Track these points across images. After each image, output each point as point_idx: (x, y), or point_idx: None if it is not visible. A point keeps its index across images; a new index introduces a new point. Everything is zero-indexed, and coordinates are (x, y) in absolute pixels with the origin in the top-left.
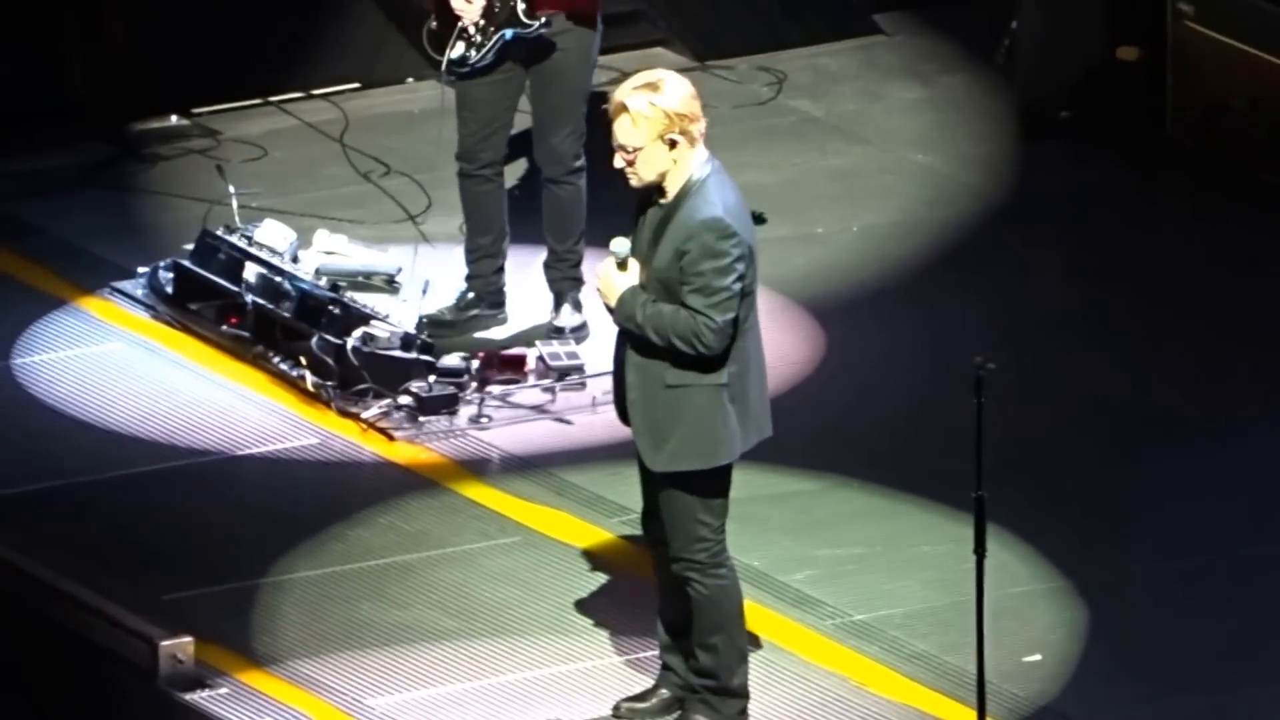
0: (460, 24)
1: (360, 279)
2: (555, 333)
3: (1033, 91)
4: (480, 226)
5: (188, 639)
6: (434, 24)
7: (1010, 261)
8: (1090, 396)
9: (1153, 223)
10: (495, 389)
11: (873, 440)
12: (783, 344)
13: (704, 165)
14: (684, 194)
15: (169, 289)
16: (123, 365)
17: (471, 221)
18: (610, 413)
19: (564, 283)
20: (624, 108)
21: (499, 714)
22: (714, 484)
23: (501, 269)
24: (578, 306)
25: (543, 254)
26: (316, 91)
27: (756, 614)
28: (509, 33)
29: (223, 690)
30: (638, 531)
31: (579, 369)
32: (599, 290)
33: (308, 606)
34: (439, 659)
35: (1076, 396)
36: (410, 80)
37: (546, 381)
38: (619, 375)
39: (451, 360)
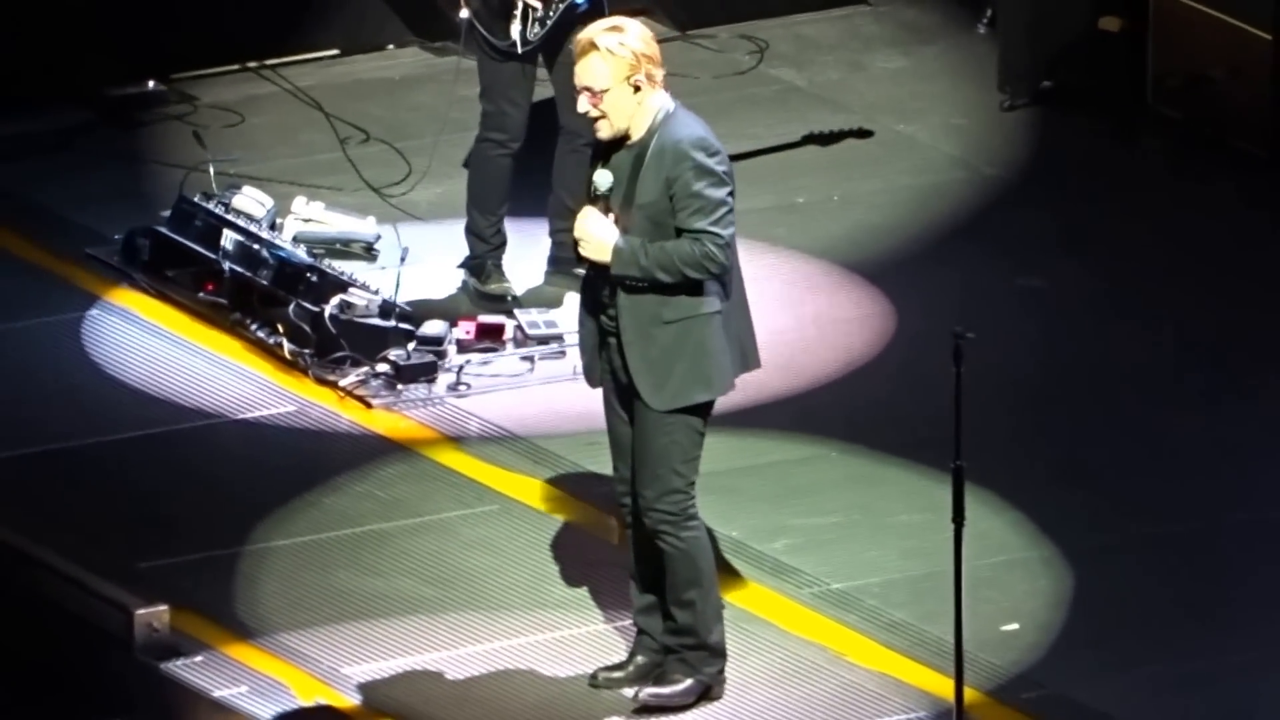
0: (523, 1)
1: (338, 246)
2: None
3: (1015, 61)
4: (501, 198)
5: (163, 607)
6: (466, 11)
7: (991, 230)
8: (1070, 364)
9: (1133, 191)
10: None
11: (852, 408)
12: (763, 311)
13: (669, 102)
14: (655, 127)
15: (145, 255)
16: (98, 332)
17: (496, 195)
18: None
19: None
20: (593, 45)
21: (475, 682)
22: (695, 434)
23: None
24: None
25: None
26: (296, 58)
27: (734, 583)
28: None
29: (198, 658)
30: (615, 500)
31: (558, 338)
32: (585, 251)
33: (284, 574)
34: (415, 627)
35: (1057, 364)
36: (391, 47)
37: (525, 350)
38: (589, 336)
39: (431, 328)
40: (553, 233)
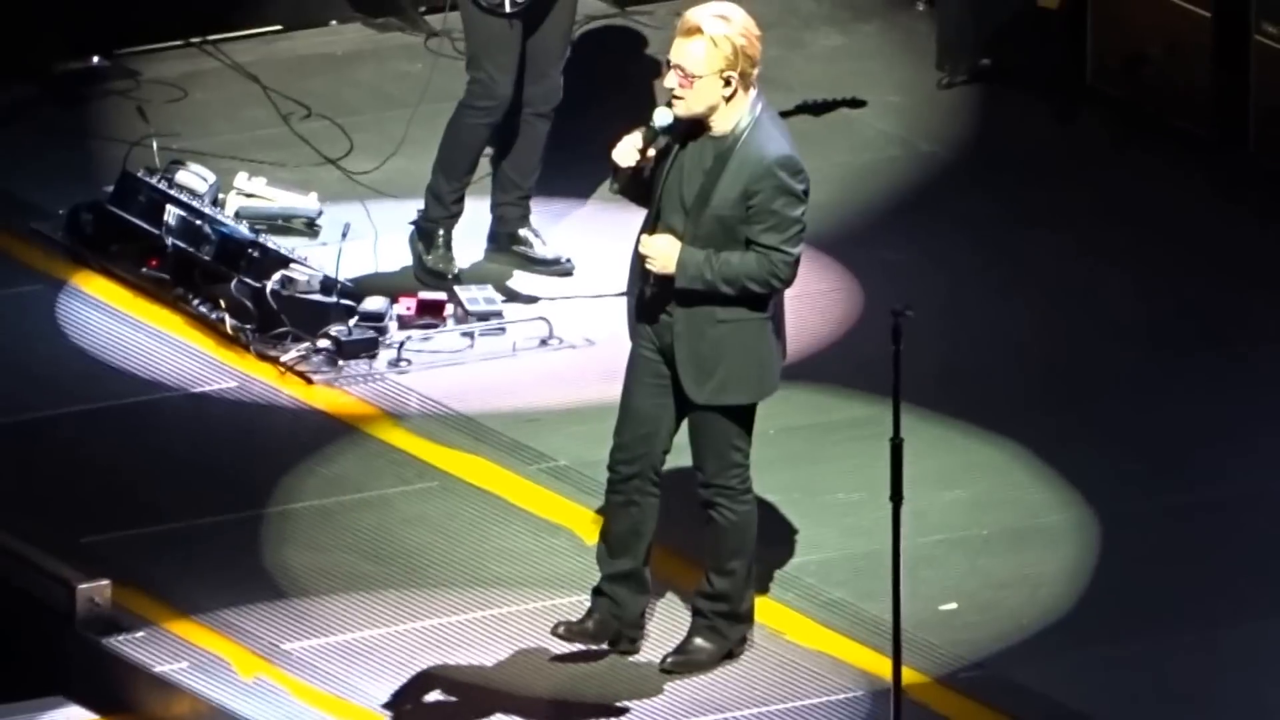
0: None
1: (280, 222)
2: (549, 264)
3: (954, 39)
4: (470, 167)
5: (105, 582)
6: None
7: (930, 207)
8: (1008, 343)
9: (1072, 169)
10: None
11: (790, 386)
12: None
13: (757, 103)
14: (742, 130)
15: (89, 230)
16: (41, 307)
17: (465, 163)
18: (529, 358)
19: (522, 220)
20: (699, 30)
21: (415, 659)
22: (750, 412)
23: None
24: (539, 235)
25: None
26: (239, 33)
27: (670, 561)
28: None
29: (139, 634)
30: (555, 477)
31: (498, 314)
32: (653, 267)
33: (225, 550)
34: (356, 604)
35: (995, 343)
36: (334, 23)
37: (466, 326)
38: (638, 297)
39: (372, 304)
40: (494, 206)
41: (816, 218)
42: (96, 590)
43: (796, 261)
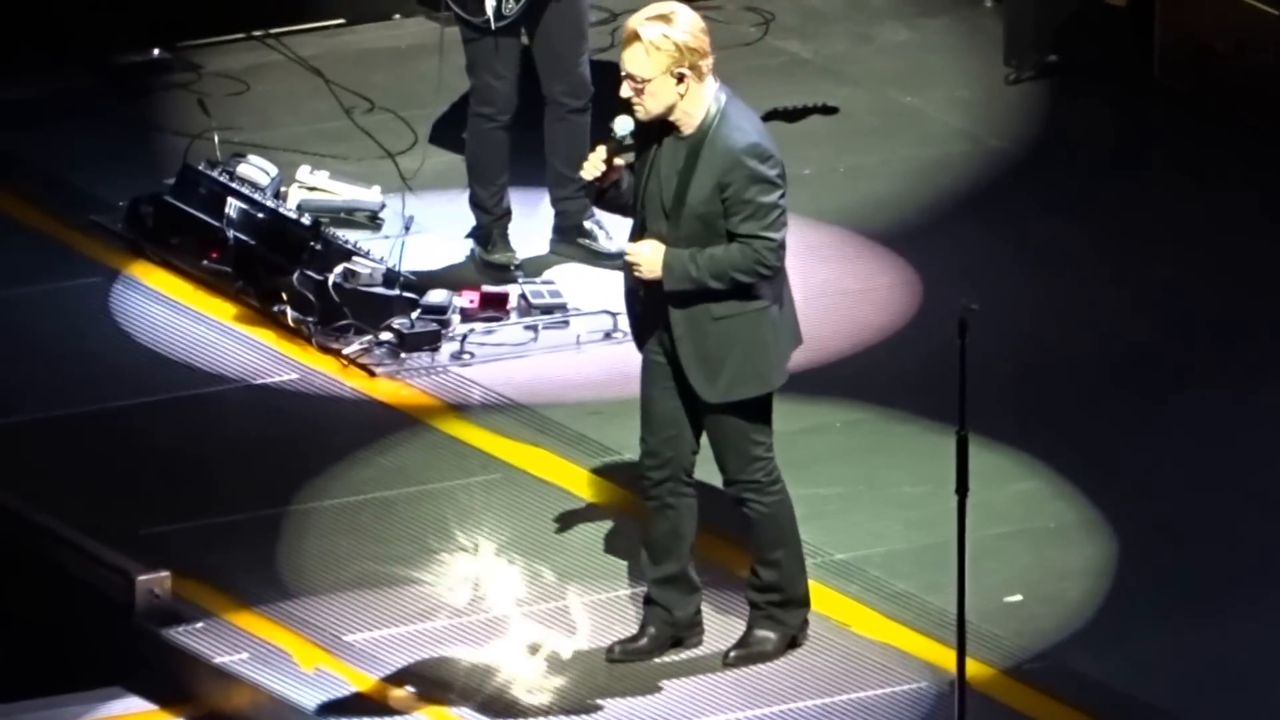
0: None
1: (343, 215)
2: (614, 258)
3: (1021, 34)
4: (500, 169)
5: (165, 573)
6: None
7: (995, 203)
8: (1072, 338)
9: (1138, 165)
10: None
11: (855, 380)
12: None
13: (718, 94)
14: (708, 124)
15: (150, 223)
16: (102, 299)
17: (494, 167)
18: (593, 351)
19: (584, 213)
20: (636, 36)
21: (477, 651)
22: (765, 404)
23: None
24: (604, 228)
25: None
26: (302, 26)
27: (735, 553)
28: None
29: (199, 625)
30: (619, 470)
31: (562, 307)
32: (640, 274)
33: (286, 542)
34: (417, 595)
35: (1057, 338)
36: (397, 17)
37: (529, 319)
38: (635, 305)
39: (435, 296)
40: (554, 202)
41: (880, 212)
42: (156, 581)
43: (781, 245)
